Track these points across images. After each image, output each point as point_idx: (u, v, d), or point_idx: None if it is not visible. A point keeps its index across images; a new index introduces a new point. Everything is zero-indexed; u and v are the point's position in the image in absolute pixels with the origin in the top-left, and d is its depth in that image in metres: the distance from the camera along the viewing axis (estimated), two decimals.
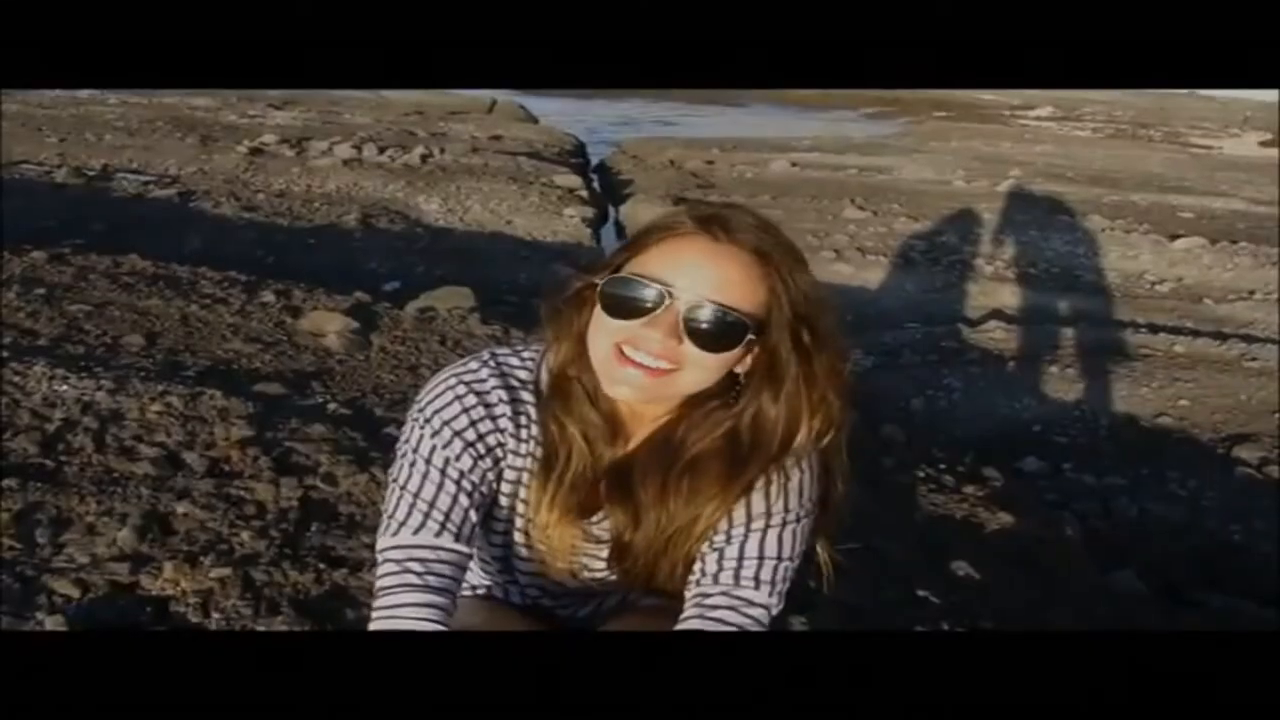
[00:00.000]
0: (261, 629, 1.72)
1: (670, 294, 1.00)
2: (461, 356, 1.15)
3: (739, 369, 1.06)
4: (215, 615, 1.74)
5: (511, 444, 1.11)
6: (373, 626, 1.05)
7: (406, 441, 1.09)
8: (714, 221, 1.03)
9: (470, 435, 1.08)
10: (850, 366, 1.10)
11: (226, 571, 1.87)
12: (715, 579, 1.09)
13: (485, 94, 14.01)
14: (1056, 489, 3.90)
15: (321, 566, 1.97)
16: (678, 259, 1.02)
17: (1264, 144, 15.17)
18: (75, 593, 1.72)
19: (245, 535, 2.02)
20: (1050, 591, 2.61)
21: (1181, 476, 3.98)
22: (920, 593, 2.32)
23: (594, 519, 1.14)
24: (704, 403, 1.08)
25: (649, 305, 1.00)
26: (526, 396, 1.11)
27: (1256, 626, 2.91)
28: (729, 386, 1.08)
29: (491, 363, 1.11)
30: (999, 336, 5.43)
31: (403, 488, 1.08)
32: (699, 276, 1.01)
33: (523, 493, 1.14)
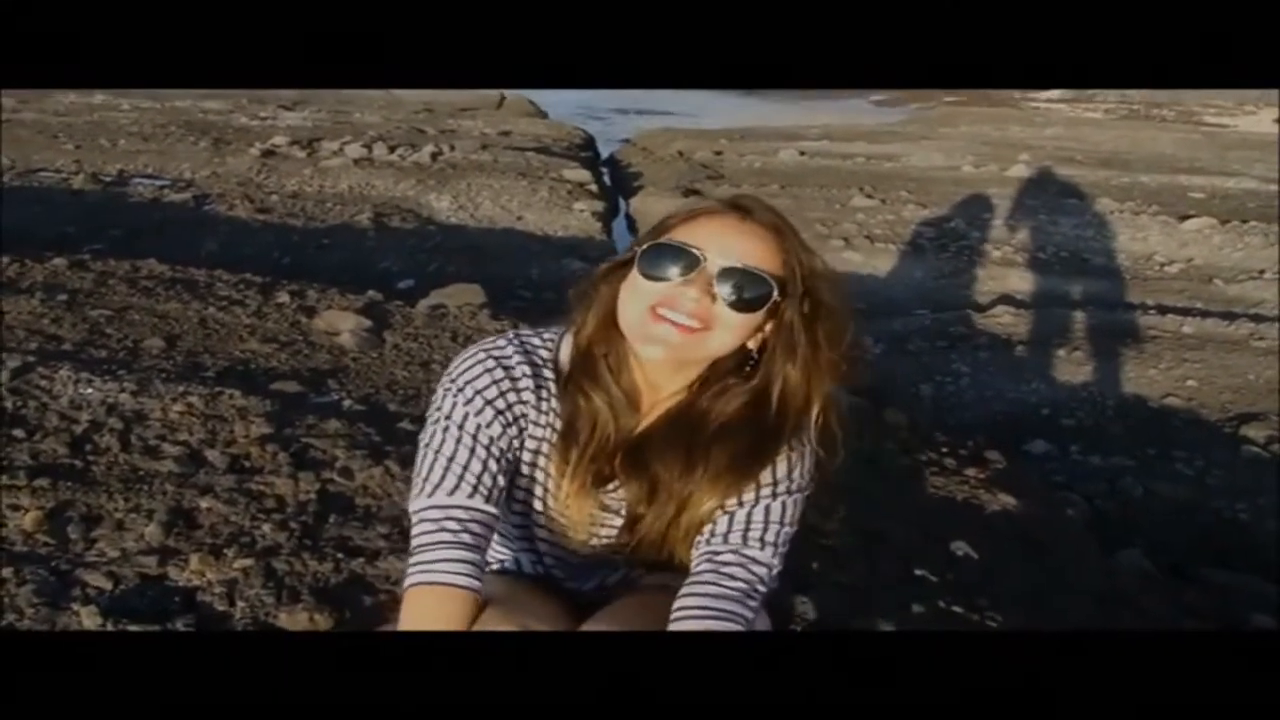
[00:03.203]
0: (284, 616, 1.80)
1: (703, 257, 1.12)
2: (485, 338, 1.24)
3: (752, 344, 1.16)
4: (240, 604, 1.82)
5: (533, 415, 1.20)
6: (410, 582, 1.13)
7: (439, 409, 1.19)
8: (737, 203, 1.17)
9: (500, 404, 1.17)
10: (853, 335, 1.21)
11: (249, 562, 1.95)
12: (725, 538, 1.19)
13: (494, 90, 14.06)
14: (1064, 471, 3.94)
15: (340, 556, 2.05)
16: (708, 231, 1.14)
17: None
18: (107, 585, 1.81)
19: (266, 528, 2.10)
20: (1050, 571, 2.66)
21: (1188, 456, 4.02)
22: (918, 572, 2.38)
23: (609, 488, 1.23)
24: (719, 378, 1.18)
25: (685, 268, 1.12)
26: (547, 373, 1.21)
27: (1259, 602, 2.96)
28: (742, 362, 1.18)
29: (515, 341, 1.21)
30: (1007, 321, 5.46)
31: (437, 451, 1.17)
32: (728, 245, 1.13)
33: (542, 462, 1.23)
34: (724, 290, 1.11)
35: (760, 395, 1.17)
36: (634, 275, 1.14)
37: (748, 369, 1.17)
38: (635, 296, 1.14)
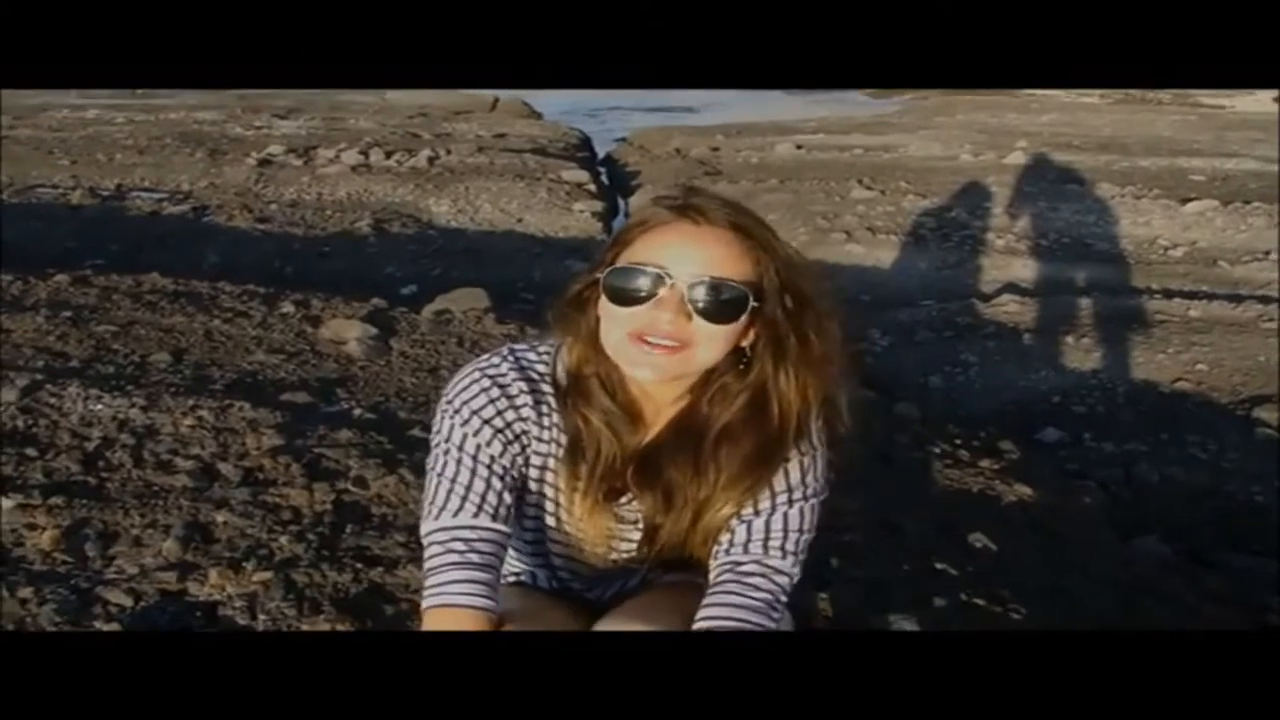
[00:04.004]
0: (306, 628, 1.79)
1: (668, 275, 1.08)
2: (480, 355, 1.23)
3: (744, 343, 1.14)
4: (262, 617, 1.81)
5: (535, 430, 1.19)
6: (424, 605, 1.13)
7: (438, 433, 1.18)
8: (689, 208, 1.12)
9: (498, 423, 1.16)
10: (843, 323, 1.18)
11: (269, 575, 1.94)
12: (745, 549, 1.18)
13: (488, 92, 14.03)
14: (1077, 458, 3.92)
15: (359, 566, 2.04)
16: (667, 245, 1.10)
17: (1279, 99, 14.94)
18: (128, 601, 1.80)
19: (284, 539, 2.09)
20: (1068, 559, 2.65)
21: (1201, 440, 4.00)
22: (938, 565, 2.37)
23: (622, 501, 1.22)
24: (716, 379, 1.16)
25: (652, 289, 1.08)
26: (546, 387, 1.19)
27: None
28: (736, 361, 1.15)
29: (510, 357, 1.20)
30: (1013, 310, 5.44)
31: (440, 475, 1.16)
32: (690, 257, 1.09)
33: (549, 478, 1.22)
34: (697, 306, 1.08)
35: (759, 395, 1.15)
36: (604, 300, 1.12)
37: (742, 366, 1.15)
38: (612, 323, 1.12)
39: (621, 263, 1.11)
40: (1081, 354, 4.86)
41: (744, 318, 1.10)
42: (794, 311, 1.12)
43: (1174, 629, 2.29)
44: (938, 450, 3.32)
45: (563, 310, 1.18)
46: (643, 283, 1.09)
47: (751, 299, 1.09)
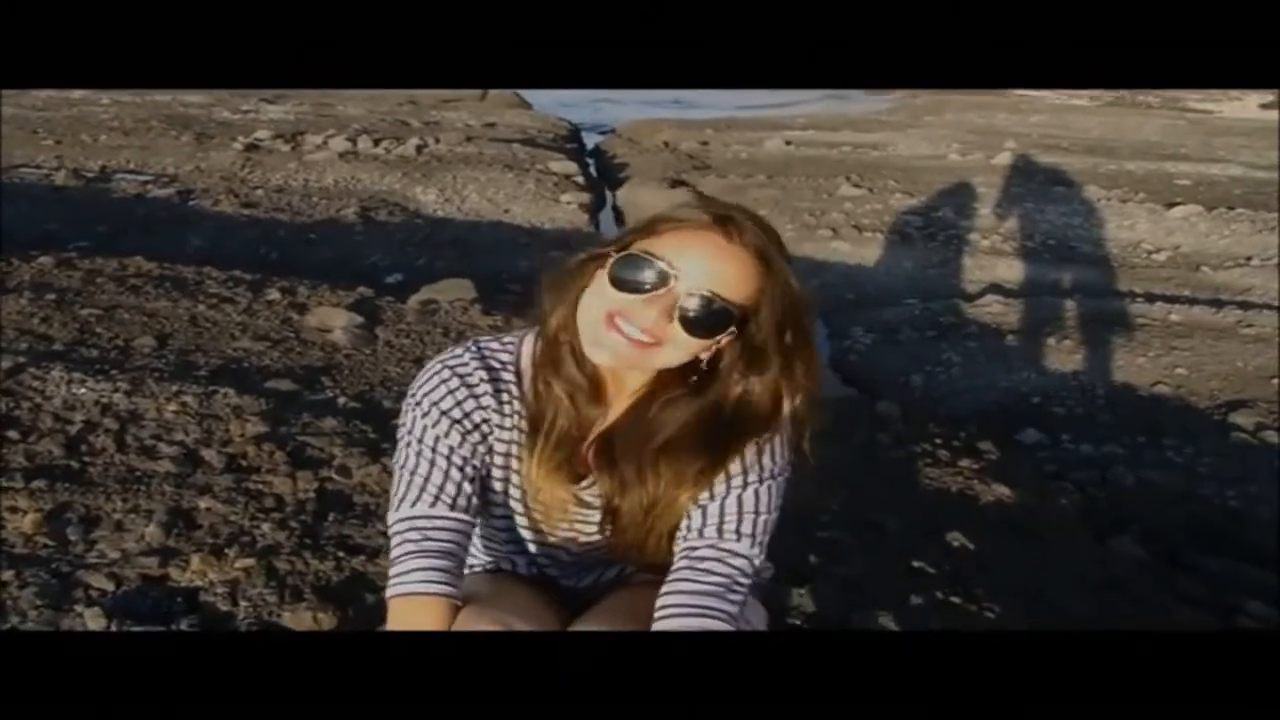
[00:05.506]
0: (287, 615, 1.80)
1: (674, 277, 1.10)
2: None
3: (703, 355, 1.15)
4: (243, 603, 1.82)
5: (496, 419, 1.21)
6: (387, 595, 1.16)
7: (403, 426, 1.22)
8: (727, 221, 1.12)
9: (456, 413, 1.19)
10: (820, 357, 1.20)
11: (251, 562, 1.94)
12: (701, 533, 1.20)
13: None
14: (1055, 460, 3.95)
15: (340, 554, 2.04)
16: (687, 248, 1.11)
17: (1264, 106, 15.05)
18: (110, 586, 1.80)
19: (266, 527, 2.10)
20: (1046, 560, 2.68)
21: (1179, 444, 4.04)
22: (916, 564, 2.39)
23: (583, 484, 1.24)
24: (675, 383, 1.18)
25: (651, 284, 1.10)
26: (508, 376, 1.22)
27: (1253, 589, 2.98)
28: (689, 372, 1.17)
29: (473, 348, 1.23)
30: (997, 310, 5.48)
31: (402, 467, 1.20)
32: (703, 267, 1.10)
33: (515, 464, 1.24)
34: (684, 313, 1.10)
35: (708, 410, 1.17)
36: (602, 276, 1.13)
37: (694, 378, 1.17)
38: (597, 299, 1.13)
39: (637, 249, 1.12)
40: (1063, 356, 4.90)
41: (720, 337, 1.12)
42: (788, 344, 1.14)
43: (1146, 629, 2.32)
44: (918, 449, 3.35)
45: (559, 276, 1.19)
46: (648, 275, 1.10)
47: (734, 324, 1.11)
